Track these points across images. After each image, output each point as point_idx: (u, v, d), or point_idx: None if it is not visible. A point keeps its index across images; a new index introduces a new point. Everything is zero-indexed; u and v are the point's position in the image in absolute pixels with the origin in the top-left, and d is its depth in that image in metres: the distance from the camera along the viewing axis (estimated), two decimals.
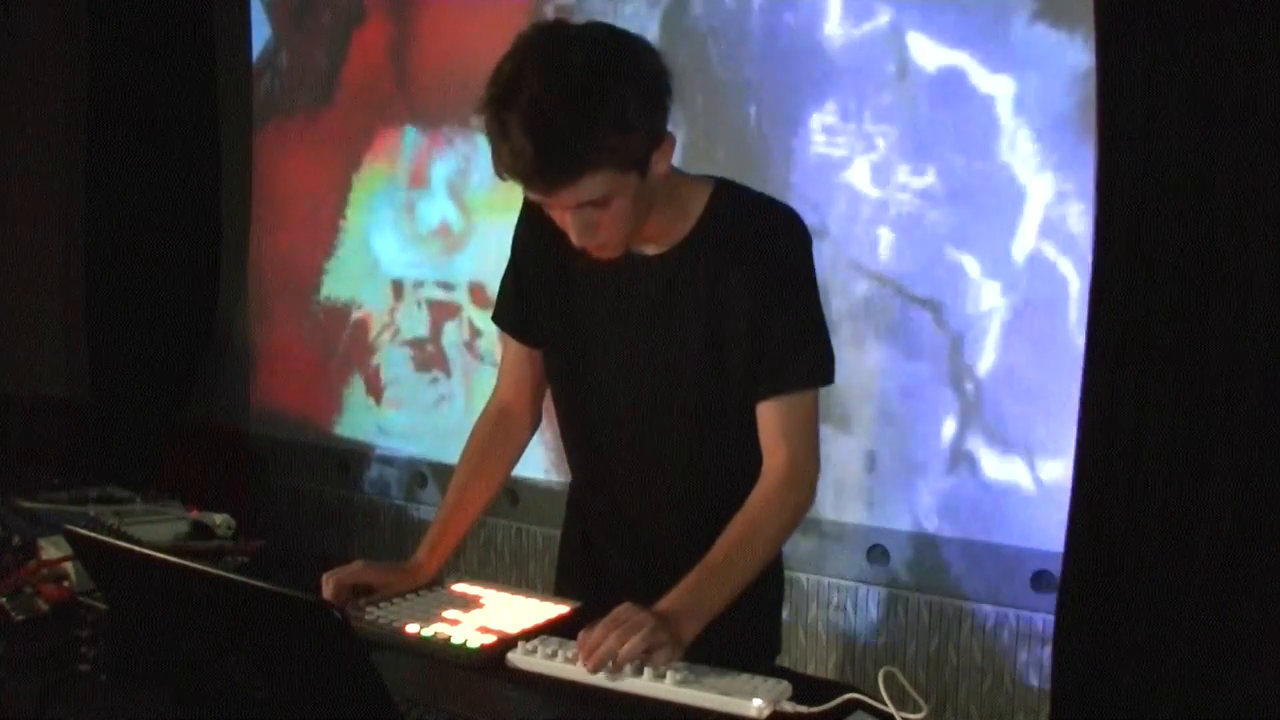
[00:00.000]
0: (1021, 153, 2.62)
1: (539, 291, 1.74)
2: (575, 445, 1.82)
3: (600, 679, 1.39)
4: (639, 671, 1.39)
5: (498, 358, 3.45)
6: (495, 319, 1.83)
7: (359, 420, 3.87)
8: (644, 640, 1.38)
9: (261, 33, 4.02)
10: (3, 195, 4.30)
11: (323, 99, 3.87)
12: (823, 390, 1.66)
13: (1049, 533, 2.56)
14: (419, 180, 3.68)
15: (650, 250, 1.64)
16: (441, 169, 3.63)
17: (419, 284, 3.69)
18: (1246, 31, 2.14)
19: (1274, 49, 2.12)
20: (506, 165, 1.43)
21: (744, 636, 1.65)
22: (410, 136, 3.69)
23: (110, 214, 4.05)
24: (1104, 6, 2.28)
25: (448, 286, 3.61)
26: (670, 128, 1.51)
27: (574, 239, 1.52)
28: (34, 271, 4.37)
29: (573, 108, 1.38)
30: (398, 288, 3.74)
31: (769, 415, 1.63)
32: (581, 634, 1.42)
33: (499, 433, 1.84)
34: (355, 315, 3.87)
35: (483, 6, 3.46)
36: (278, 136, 4.02)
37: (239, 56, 4.06)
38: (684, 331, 1.63)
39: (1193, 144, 2.21)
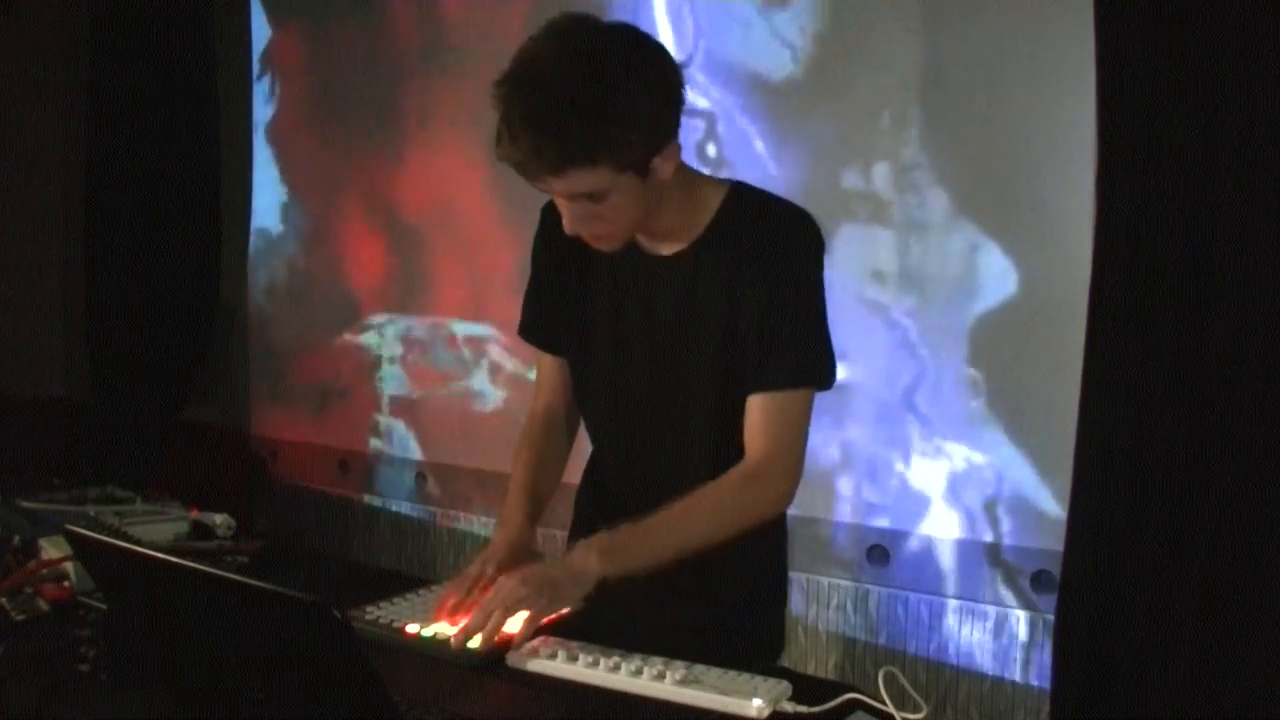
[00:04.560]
0: None
1: (561, 298, 1.74)
2: (596, 439, 1.83)
3: (600, 679, 1.39)
4: (638, 672, 1.39)
5: (497, 356, 3.51)
6: (521, 333, 1.83)
7: (359, 421, 3.87)
8: (505, 615, 1.48)
9: (262, 33, 4.03)
10: (3, 195, 4.30)
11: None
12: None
13: (1049, 533, 2.56)
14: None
15: (665, 250, 1.65)
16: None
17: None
18: (1246, 31, 2.14)
19: (1274, 49, 2.12)
20: (505, 148, 1.44)
21: (746, 635, 1.65)
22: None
23: (110, 214, 4.05)
24: (1104, 6, 2.28)
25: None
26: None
27: (567, 226, 1.54)
28: (34, 271, 4.37)
29: (575, 101, 1.39)
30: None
31: (752, 410, 1.63)
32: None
33: (550, 435, 1.83)
34: (356, 314, 3.87)
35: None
36: (277, 133, 4.03)
37: (239, 56, 4.06)
38: (702, 330, 1.64)
39: (1193, 144, 2.21)
